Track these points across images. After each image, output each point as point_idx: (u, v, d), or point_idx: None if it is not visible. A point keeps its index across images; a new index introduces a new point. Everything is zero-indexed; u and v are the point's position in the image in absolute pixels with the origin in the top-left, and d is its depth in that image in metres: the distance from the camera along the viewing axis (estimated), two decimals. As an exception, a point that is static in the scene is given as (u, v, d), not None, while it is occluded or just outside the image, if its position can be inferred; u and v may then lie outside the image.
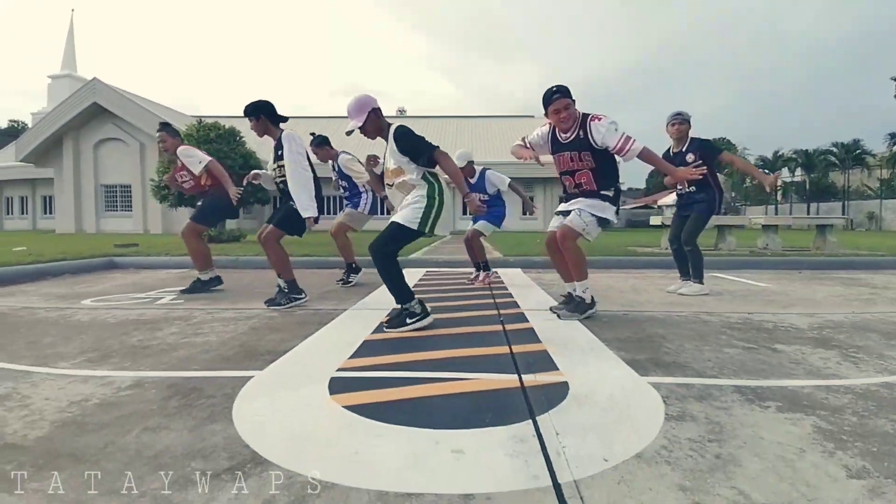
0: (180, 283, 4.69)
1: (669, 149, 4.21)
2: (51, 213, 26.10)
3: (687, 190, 4.13)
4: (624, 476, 1.17)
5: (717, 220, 7.80)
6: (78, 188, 21.96)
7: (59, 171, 22.35)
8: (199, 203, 4.39)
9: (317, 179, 3.70)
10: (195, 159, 4.25)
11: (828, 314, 3.28)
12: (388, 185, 2.99)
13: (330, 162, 5.05)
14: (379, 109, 2.83)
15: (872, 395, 1.73)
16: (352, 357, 2.21)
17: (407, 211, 2.77)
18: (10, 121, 51.63)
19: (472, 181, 4.85)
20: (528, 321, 3.01)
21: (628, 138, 2.90)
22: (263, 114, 3.53)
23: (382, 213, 4.88)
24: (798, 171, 32.61)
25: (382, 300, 3.77)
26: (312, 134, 5.00)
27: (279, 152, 3.59)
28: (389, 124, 2.85)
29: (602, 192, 3.05)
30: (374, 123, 2.80)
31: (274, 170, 3.75)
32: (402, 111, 45.05)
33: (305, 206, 3.51)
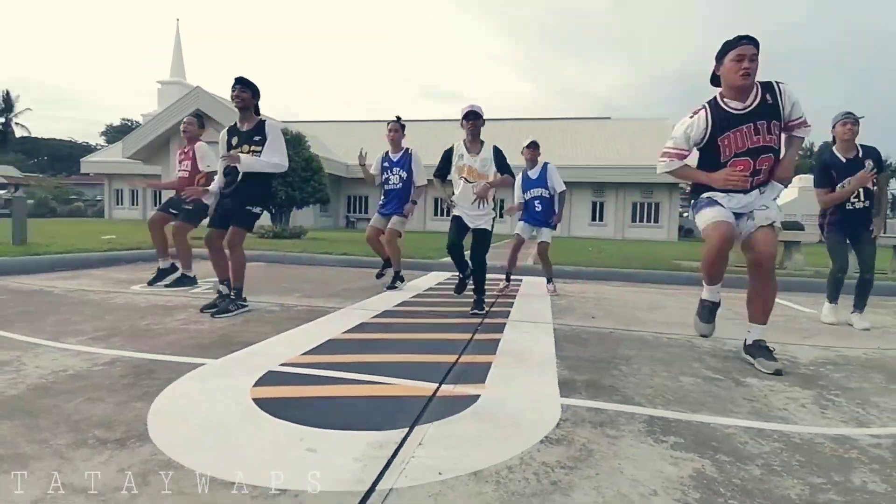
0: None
1: (831, 153, 3.70)
2: (159, 204, 29.58)
3: (862, 204, 3.61)
4: (441, 490, 1.21)
5: (783, 236, 7.09)
6: (173, 186, 24.71)
7: (167, 168, 25.22)
8: (188, 205, 4.35)
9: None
10: (208, 159, 4.52)
11: (847, 348, 2.92)
12: (466, 179, 3.67)
13: (385, 153, 5.01)
14: None
15: (808, 449, 1.55)
16: (304, 353, 2.38)
17: (489, 218, 3.70)
18: (123, 119, 58.57)
19: (534, 174, 4.77)
20: (501, 332, 3.01)
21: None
22: (257, 95, 3.47)
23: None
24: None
25: (381, 303, 3.93)
26: (398, 117, 4.90)
27: (255, 137, 3.39)
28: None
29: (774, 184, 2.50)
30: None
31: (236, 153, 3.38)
32: (477, 113, 45.39)
33: (255, 166, 3.34)
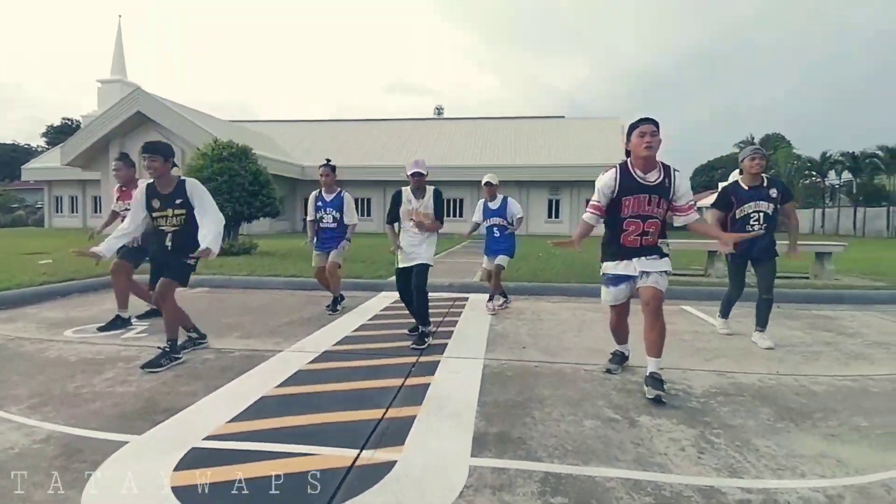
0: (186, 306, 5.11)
1: (736, 182, 4.08)
2: (100, 211, 28.08)
3: (761, 228, 3.90)
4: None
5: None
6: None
7: (106, 173, 24.00)
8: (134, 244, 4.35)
9: None
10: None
11: (743, 374, 3.26)
12: (413, 220, 3.94)
13: (319, 192, 5.26)
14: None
15: (676, 501, 1.79)
16: (231, 420, 2.45)
17: (429, 252, 3.97)
18: (63, 118, 55.18)
19: (494, 205, 5.29)
20: (433, 373, 3.17)
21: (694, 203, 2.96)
22: (171, 156, 3.49)
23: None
24: (845, 174, 30.70)
25: (323, 338, 4.02)
26: (328, 160, 5.23)
27: (177, 201, 3.42)
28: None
29: (661, 247, 2.97)
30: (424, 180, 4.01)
31: (163, 218, 3.46)
32: (439, 109, 45.51)
33: (217, 240, 3.38)
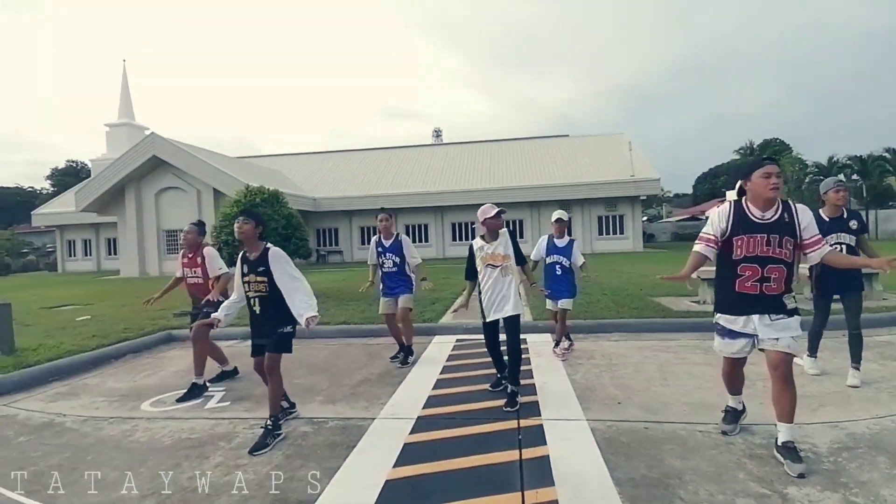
0: (236, 362, 5.03)
1: (818, 213, 3.97)
2: (114, 253, 28.23)
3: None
4: None
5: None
6: (141, 234, 23.74)
7: (123, 217, 24.24)
8: (208, 308, 4.27)
9: None
10: (216, 263, 4.54)
11: (852, 421, 3.20)
12: (493, 265, 3.86)
13: (380, 236, 5.25)
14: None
15: None
16: (373, 514, 2.38)
17: (518, 303, 3.84)
18: (68, 161, 56.14)
19: (561, 243, 5.20)
20: (544, 442, 3.10)
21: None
22: (263, 224, 3.58)
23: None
24: (854, 177, 30.77)
25: (409, 400, 3.95)
26: (382, 209, 5.33)
27: (260, 268, 3.45)
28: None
29: (786, 298, 2.72)
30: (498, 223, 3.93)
31: (247, 284, 3.52)
32: (437, 132, 46.00)
33: (308, 306, 3.43)
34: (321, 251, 28.61)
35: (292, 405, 3.84)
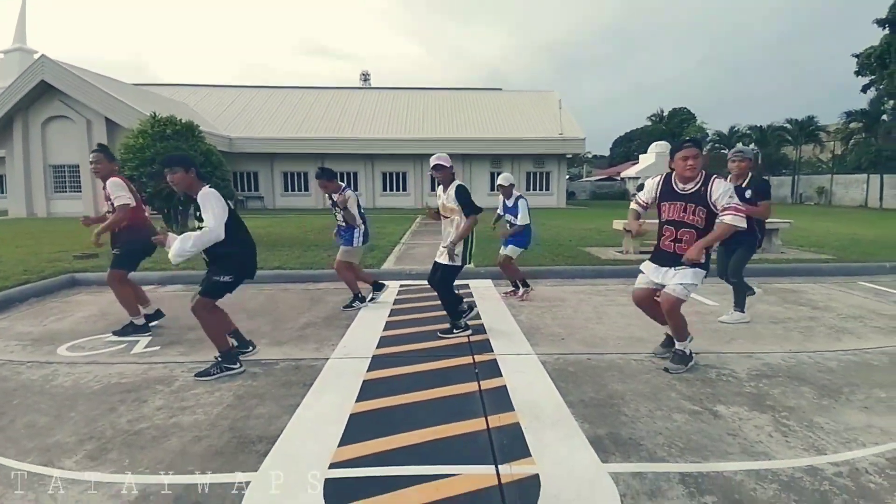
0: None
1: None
2: (3, 192, 24.50)
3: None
4: None
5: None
6: (28, 170, 20.72)
7: (10, 152, 21.01)
8: (116, 249, 4.19)
9: None
10: (123, 196, 4.05)
11: (766, 354, 3.66)
12: (444, 215, 4.14)
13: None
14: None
15: (796, 486, 2.03)
16: (341, 445, 2.37)
17: (448, 253, 3.96)
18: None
19: (509, 202, 5.46)
20: (501, 374, 3.24)
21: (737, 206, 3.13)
22: (192, 165, 3.30)
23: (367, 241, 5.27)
24: (752, 146, 34.11)
25: (361, 341, 3.92)
26: (321, 168, 5.12)
27: (198, 213, 3.28)
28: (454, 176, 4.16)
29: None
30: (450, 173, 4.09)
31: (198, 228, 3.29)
32: (366, 75, 43.67)
33: (183, 245, 3.17)
34: (239, 196, 26.70)
35: (247, 343, 3.72)
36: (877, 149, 27.00)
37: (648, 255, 3.50)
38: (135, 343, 4.01)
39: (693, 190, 3.20)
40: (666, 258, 3.31)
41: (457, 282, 5.60)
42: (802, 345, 3.90)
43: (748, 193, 4.37)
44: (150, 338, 4.15)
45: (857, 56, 27.78)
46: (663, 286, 3.30)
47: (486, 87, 36.54)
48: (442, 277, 4.08)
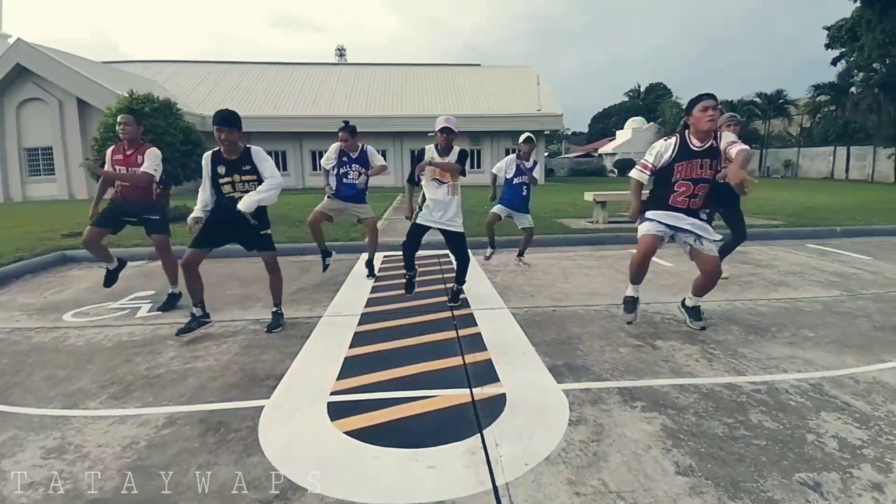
0: (143, 283, 5.12)
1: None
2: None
3: None
4: (535, 477, 1.88)
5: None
6: (2, 155, 20.18)
7: (-10, 134, 20.38)
8: (156, 217, 4.27)
9: None
10: (157, 169, 4.16)
11: (704, 303, 4.17)
12: (439, 180, 4.01)
13: (340, 147, 5.16)
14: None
15: (714, 396, 2.52)
16: (339, 378, 2.79)
17: (460, 218, 4.11)
18: None
19: (529, 164, 5.51)
20: (476, 325, 3.68)
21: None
22: (240, 128, 3.46)
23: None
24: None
25: (350, 302, 4.31)
26: (345, 122, 5.21)
27: (245, 167, 3.46)
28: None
29: (702, 215, 3.38)
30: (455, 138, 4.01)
31: (230, 185, 3.48)
32: (341, 51, 43.03)
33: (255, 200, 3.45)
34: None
35: (206, 315, 3.67)
36: (844, 121, 27.99)
37: (617, 223, 3.58)
38: (137, 309, 4.32)
39: (707, 146, 3.24)
40: (677, 213, 3.32)
41: (434, 252, 6.01)
42: (739, 295, 4.44)
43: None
44: (150, 304, 4.46)
45: (827, 28, 28.32)
46: (678, 229, 3.36)
47: (466, 63, 36.36)
48: (464, 247, 4.12)
